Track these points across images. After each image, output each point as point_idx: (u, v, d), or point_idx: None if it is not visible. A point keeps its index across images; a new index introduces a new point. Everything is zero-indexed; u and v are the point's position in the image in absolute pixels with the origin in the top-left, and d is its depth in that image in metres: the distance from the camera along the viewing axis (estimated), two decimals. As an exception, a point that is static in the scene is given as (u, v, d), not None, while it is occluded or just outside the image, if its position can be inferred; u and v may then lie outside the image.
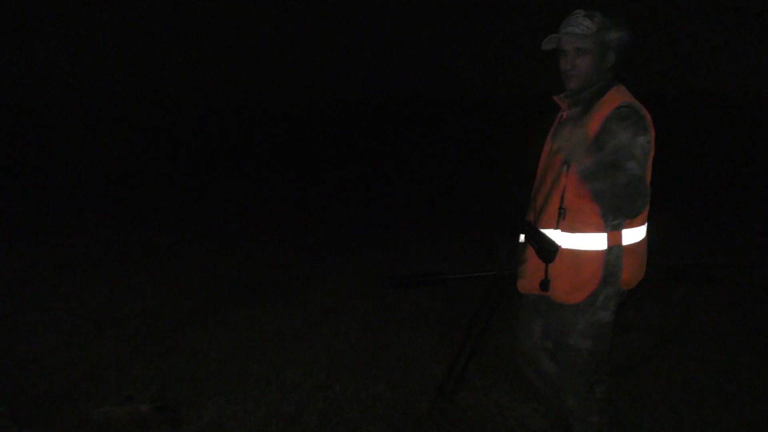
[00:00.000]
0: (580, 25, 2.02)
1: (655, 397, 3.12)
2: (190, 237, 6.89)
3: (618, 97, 2.04)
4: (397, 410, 3.05)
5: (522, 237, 2.36)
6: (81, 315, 4.38)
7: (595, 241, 2.07)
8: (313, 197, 9.68)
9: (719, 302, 4.49)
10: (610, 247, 2.08)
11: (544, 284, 2.14)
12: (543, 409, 3.02)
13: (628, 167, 1.89)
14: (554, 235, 2.12)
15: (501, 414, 3.00)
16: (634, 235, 2.12)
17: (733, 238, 6.55)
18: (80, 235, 7.04)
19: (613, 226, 2.06)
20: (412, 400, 3.15)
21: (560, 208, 2.09)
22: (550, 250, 2.04)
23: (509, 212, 2.43)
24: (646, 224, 2.17)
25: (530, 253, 2.22)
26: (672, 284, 4.58)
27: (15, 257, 6.05)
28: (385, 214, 8.19)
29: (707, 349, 3.69)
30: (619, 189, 1.88)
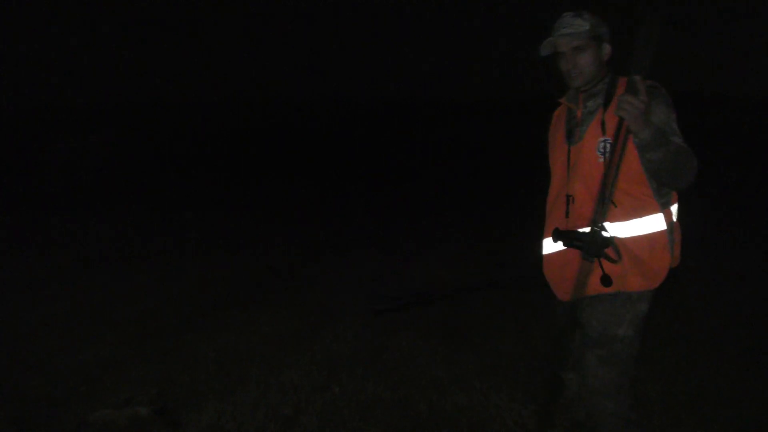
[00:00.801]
0: (572, 24, 2.09)
1: (655, 397, 3.11)
2: (189, 239, 6.90)
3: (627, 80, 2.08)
4: (396, 411, 3.05)
5: (549, 246, 2.28)
6: (80, 318, 4.37)
7: (656, 222, 2.06)
8: (312, 199, 9.68)
9: (718, 303, 4.49)
10: (668, 224, 2.08)
11: (606, 279, 2.06)
12: (542, 411, 3.01)
13: (675, 138, 1.94)
14: (609, 228, 2.06)
15: (500, 415, 2.99)
16: (675, 211, 2.15)
17: (732, 239, 6.55)
18: (79, 237, 7.04)
19: (662, 205, 2.07)
20: (412, 401, 3.14)
21: (606, 198, 2.03)
22: (597, 242, 1.99)
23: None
24: None
25: (568, 257, 2.16)
26: (672, 285, 4.58)
27: (14, 260, 6.05)
28: (384, 216, 8.19)
29: (706, 350, 3.68)
30: (674, 157, 1.89)
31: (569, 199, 2.16)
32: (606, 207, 2.02)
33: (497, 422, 2.94)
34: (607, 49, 2.14)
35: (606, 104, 2.09)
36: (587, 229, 2.06)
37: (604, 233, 2.01)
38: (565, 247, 2.12)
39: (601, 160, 2.05)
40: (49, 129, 29.59)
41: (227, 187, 11.10)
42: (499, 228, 7.29)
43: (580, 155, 2.12)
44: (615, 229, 2.06)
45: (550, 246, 2.26)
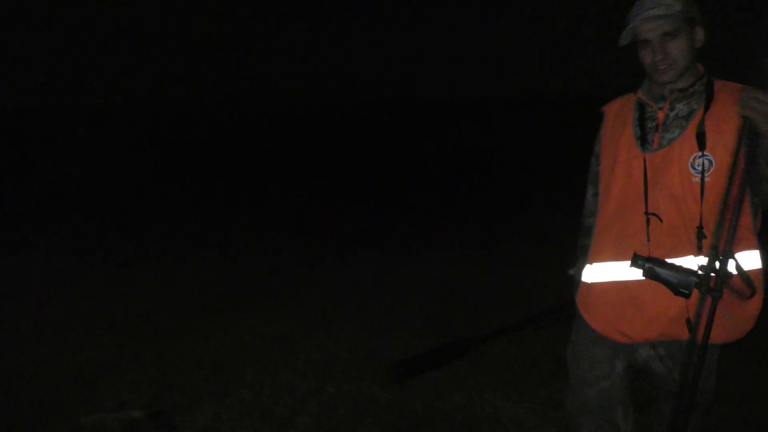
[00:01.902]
0: (661, 4, 1.69)
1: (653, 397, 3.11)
2: (184, 242, 6.88)
3: (735, 85, 1.74)
4: (391, 412, 3.04)
5: (603, 273, 1.88)
6: (74, 321, 4.36)
7: (752, 260, 1.73)
8: (308, 200, 9.67)
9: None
10: (765, 263, 1.74)
11: (692, 324, 1.64)
12: (539, 409, 3.01)
13: None
14: (693, 262, 1.70)
15: (496, 414, 2.99)
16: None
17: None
18: (75, 240, 7.02)
19: (759, 238, 1.75)
20: (407, 401, 3.14)
21: (698, 227, 1.68)
22: (689, 283, 1.62)
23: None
24: None
25: (638, 290, 1.78)
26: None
27: (7, 263, 6.03)
28: (382, 217, 8.19)
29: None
30: None
31: (650, 219, 1.76)
32: (697, 239, 1.69)
33: (493, 421, 2.94)
34: (700, 34, 1.75)
35: (707, 105, 1.72)
36: (689, 260, 1.71)
37: (729, 265, 1.57)
38: (643, 277, 1.71)
39: (697, 179, 1.68)
40: (44, 129, 29.54)
41: (223, 189, 11.09)
42: (496, 229, 7.30)
43: (666, 168, 1.73)
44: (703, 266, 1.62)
45: (606, 272, 1.87)
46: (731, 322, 1.73)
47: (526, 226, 7.16)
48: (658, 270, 1.65)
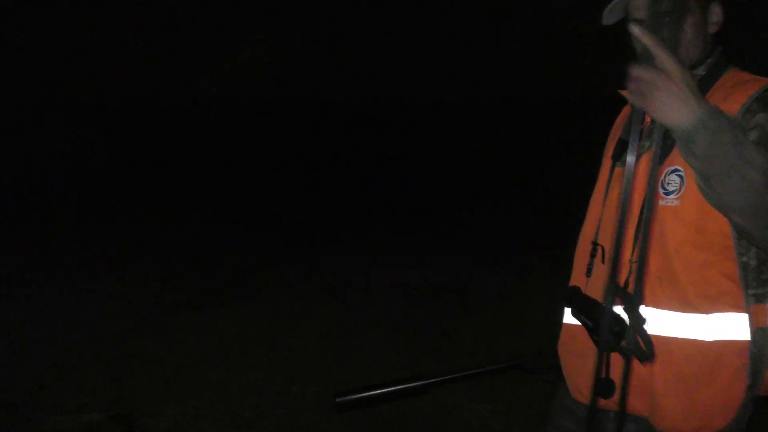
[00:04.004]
0: None
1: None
2: (148, 241, 6.76)
3: (752, 77, 1.29)
4: (358, 413, 3.03)
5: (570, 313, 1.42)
6: (34, 322, 4.24)
7: (732, 325, 1.23)
8: (278, 200, 9.60)
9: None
10: (754, 333, 1.24)
11: (604, 388, 1.18)
12: (505, 410, 3.03)
13: None
14: (654, 316, 1.27)
15: (462, 415, 3.01)
16: None
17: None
18: (36, 239, 6.85)
19: (756, 297, 1.24)
20: (374, 404, 3.13)
21: (661, 270, 1.27)
22: (609, 324, 1.14)
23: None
24: None
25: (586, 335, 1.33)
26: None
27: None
28: (352, 218, 8.17)
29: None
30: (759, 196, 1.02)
31: (595, 249, 1.40)
32: (661, 284, 1.27)
33: (459, 422, 2.96)
34: (716, 14, 1.31)
35: None
36: (645, 310, 1.28)
37: (653, 327, 1.23)
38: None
39: (665, 202, 1.26)
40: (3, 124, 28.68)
41: (192, 187, 10.94)
42: (471, 231, 7.34)
43: (636, 188, 1.29)
44: (658, 320, 1.27)
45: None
46: (683, 403, 1.26)
47: (504, 228, 7.20)
48: (581, 310, 1.31)
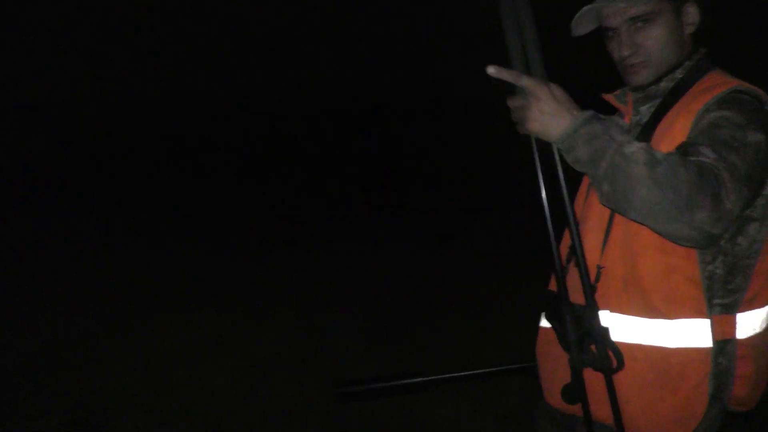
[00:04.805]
0: None
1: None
2: (118, 239, 6.64)
3: (725, 80, 1.25)
4: (324, 418, 3.01)
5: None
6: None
7: (696, 333, 1.21)
8: (252, 198, 9.51)
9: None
10: (718, 343, 1.22)
11: (568, 394, 1.24)
12: (479, 415, 3.02)
13: (717, 154, 1.05)
14: (620, 322, 1.25)
15: (433, 418, 3.00)
16: (754, 320, 1.25)
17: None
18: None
19: (721, 307, 1.21)
20: (341, 407, 3.09)
21: (626, 274, 1.25)
22: (577, 329, 1.19)
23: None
24: None
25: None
26: None
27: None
28: (328, 217, 8.12)
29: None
30: (685, 180, 0.99)
31: (571, 254, 1.34)
32: (624, 290, 1.25)
33: (433, 421, 2.94)
34: (691, 14, 1.28)
35: (662, 110, 1.27)
36: (610, 315, 1.27)
37: (595, 317, 1.19)
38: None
39: None
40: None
41: (161, 187, 10.78)
42: (449, 231, 7.33)
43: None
44: (623, 326, 1.25)
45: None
46: (646, 412, 1.24)
47: (482, 228, 7.18)
48: (553, 315, 1.28)
